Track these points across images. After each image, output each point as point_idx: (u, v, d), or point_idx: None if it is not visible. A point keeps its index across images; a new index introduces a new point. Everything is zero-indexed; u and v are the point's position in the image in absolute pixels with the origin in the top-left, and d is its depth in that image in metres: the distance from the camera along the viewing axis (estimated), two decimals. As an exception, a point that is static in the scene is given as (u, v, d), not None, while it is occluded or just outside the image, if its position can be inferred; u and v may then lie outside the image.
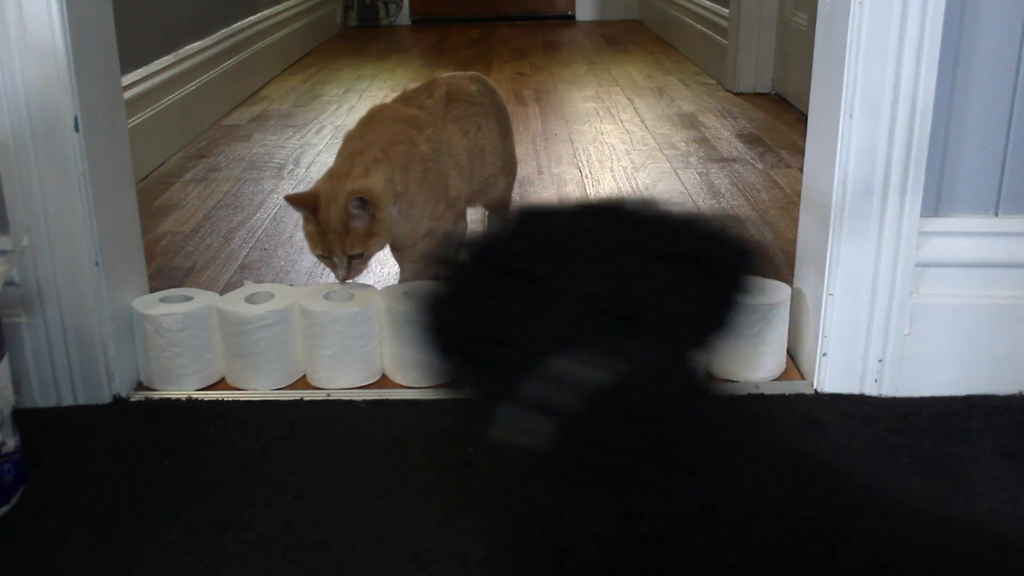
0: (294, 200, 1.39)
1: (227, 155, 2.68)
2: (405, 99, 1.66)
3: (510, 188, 1.84)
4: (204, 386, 1.40)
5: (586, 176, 2.42)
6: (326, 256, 1.40)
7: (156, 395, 1.38)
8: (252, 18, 3.63)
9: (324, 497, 1.13)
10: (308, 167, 2.55)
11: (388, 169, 1.44)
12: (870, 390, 1.35)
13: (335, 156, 1.51)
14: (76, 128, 1.25)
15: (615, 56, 4.38)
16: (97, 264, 1.30)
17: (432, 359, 0.60)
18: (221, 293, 1.45)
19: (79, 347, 1.33)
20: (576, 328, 0.56)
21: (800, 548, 0.45)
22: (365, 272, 1.81)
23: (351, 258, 1.39)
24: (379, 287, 1.47)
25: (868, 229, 1.29)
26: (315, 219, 1.38)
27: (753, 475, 0.49)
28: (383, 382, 1.41)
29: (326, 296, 1.41)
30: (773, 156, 2.58)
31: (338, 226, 1.36)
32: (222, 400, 1.35)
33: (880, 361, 1.34)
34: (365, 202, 1.36)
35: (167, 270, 1.84)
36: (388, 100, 1.68)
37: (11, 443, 1.15)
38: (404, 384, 1.40)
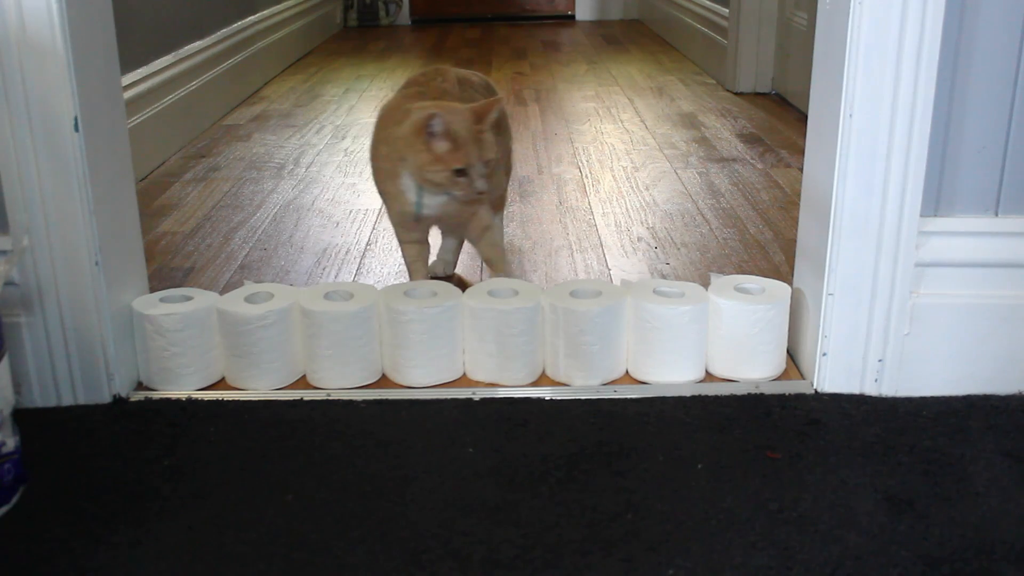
0: (437, 114, 1.40)
1: (227, 155, 2.68)
2: (419, 83, 1.63)
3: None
4: (204, 386, 1.40)
5: (586, 176, 2.42)
6: (464, 169, 1.42)
7: (156, 395, 1.38)
8: (252, 18, 3.63)
9: (324, 497, 1.13)
10: (308, 167, 2.55)
11: None
12: (870, 390, 1.35)
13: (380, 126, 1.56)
14: (76, 128, 1.25)
15: (615, 56, 4.38)
16: (97, 264, 1.30)
17: None
18: (221, 293, 1.45)
19: (79, 347, 1.33)
20: None
21: None
22: (366, 273, 1.81)
23: (486, 165, 1.43)
24: (379, 287, 1.47)
25: (868, 229, 1.29)
26: (450, 133, 1.41)
27: None
28: (383, 382, 1.41)
29: (326, 296, 1.41)
30: (773, 156, 2.58)
31: (475, 133, 1.42)
32: (222, 400, 1.35)
33: (880, 361, 1.34)
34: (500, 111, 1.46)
35: (167, 270, 1.84)
36: (408, 92, 1.64)
37: (11, 443, 1.15)
38: (404, 384, 1.40)
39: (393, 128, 1.50)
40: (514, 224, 2.05)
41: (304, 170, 2.52)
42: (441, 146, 1.42)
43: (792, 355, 1.44)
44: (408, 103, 1.53)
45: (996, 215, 1.32)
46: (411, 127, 1.44)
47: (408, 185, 1.50)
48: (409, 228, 1.60)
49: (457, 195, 1.46)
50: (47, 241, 1.28)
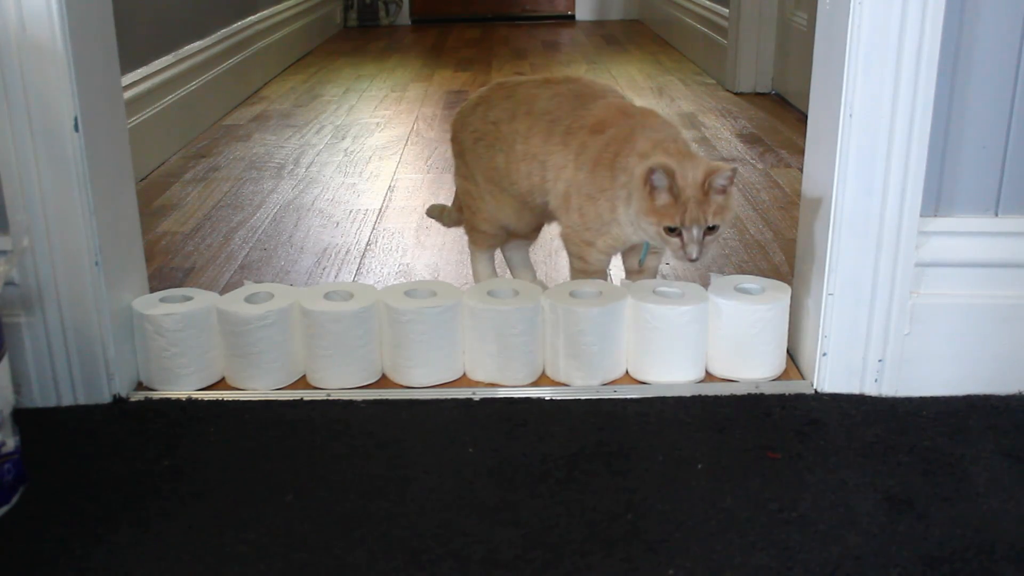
0: (664, 167, 1.31)
1: (227, 155, 2.68)
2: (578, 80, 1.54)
3: None
4: (204, 386, 1.40)
5: (586, 176, 2.41)
6: (677, 229, 1.33)
7: (156, 395, 1.38)
8: (252, 18, 3.63)
9: (324, 497, 1.13)
10: (308, 167, 2.55)
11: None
12: (870, 390, 1.35)
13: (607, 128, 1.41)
14: (76, 128, 1.25)
15: (615, 56, 4.38)
16: (97, 264, 1.30)
17: None
18: (221, 293, 1.45)
19: (79, 347, 1.33)
20: None
21: None
22: (366, 273, 1.81)
23: (706, 231, 1.33)
24: (379, 287, 1.47)
25: (868, 229, 1.29)
26: (674, 189, 1.31)
27: None
28: (383, 382, 1.41)
29: (326, 296, 1.41)
30: (773, 156, 2.58)
31: (699, 195, 1.31)
32: (222, 400, 1.35)
33: (880, 361, 1.34)
34: (732, 179, 1.33)
35: (167, 270, 1.84)
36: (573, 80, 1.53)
37: (11, 443, 1.15)
38: (404, 384, 1.40)
39: (629, 155, 1.39)
40: (514, 224, 2.05)
41: (304, 170, 2.52)
42: (661, 199, 1.32)
43: (792, 355, 1.44)
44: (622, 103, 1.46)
45: (996, 215, 1.32)
46: (639, 174, 1.34)
47: (623, 220, 1.41)
48: (609, 253, 1.50)
49: (670, 254, 1.38)
50: (47, 241, 1.28)
